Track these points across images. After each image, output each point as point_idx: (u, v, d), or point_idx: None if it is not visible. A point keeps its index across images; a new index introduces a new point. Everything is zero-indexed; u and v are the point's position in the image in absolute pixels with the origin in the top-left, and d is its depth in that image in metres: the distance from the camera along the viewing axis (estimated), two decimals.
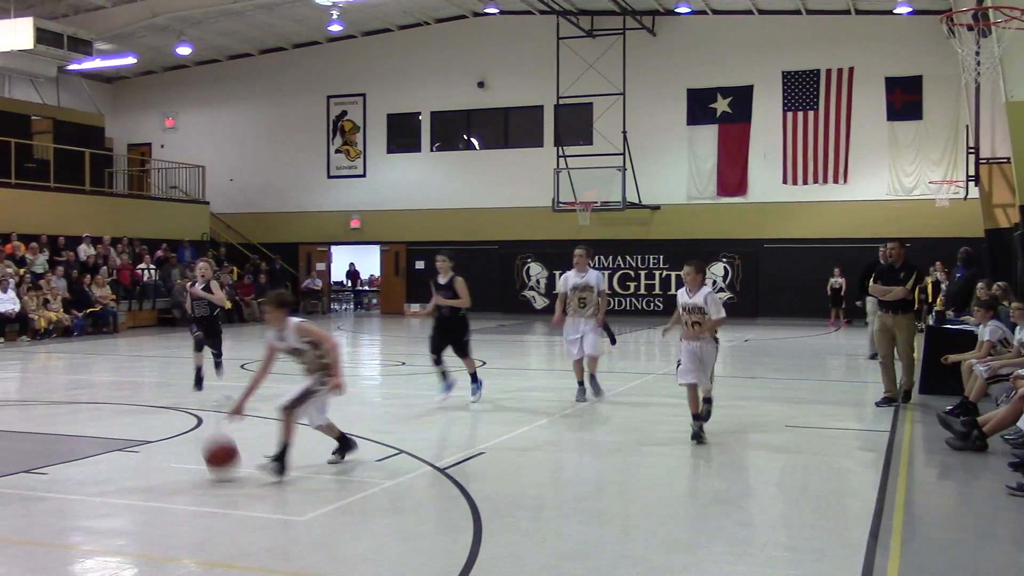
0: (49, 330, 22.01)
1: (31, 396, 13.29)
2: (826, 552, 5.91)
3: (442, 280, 11.68)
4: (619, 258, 30.05)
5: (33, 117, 29.33)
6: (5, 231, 23.88)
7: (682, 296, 9.35)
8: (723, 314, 9.20)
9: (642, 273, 29.94)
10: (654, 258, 29.84)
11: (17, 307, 21.49)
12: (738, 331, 23.57)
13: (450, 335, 11.74)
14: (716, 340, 9.43)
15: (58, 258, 24.53)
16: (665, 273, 29.60)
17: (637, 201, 28.71)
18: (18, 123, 27.93)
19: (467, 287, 11.66)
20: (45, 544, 5.99)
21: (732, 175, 29.13)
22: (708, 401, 9.57)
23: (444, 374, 11.72)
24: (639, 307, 29.70)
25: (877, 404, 11.42)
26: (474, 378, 11.87)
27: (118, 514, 6.80)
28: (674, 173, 29.46)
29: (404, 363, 17.50)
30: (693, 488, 7.64)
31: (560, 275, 12.63)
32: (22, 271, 22.83)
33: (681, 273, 9.70)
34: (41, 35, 25.03)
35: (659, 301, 29.64)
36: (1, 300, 21.19)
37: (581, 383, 12.00)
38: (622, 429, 10.24)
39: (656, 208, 29.57)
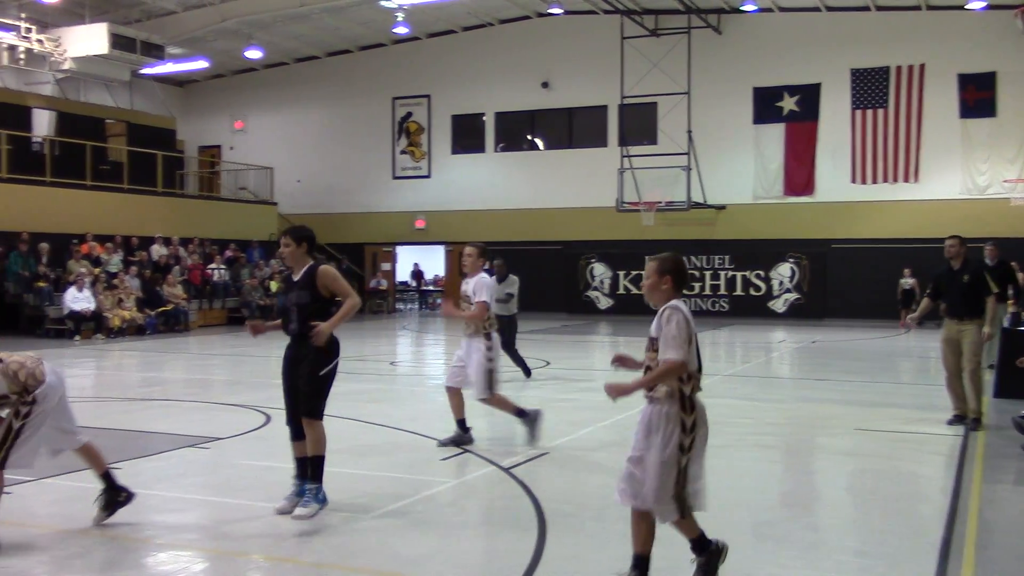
0: (123, 328, 22.53)
1: (106, 393, 13.60)
2: (897, 558, 5.80)
3: (296, 275, 6.62)
4: (684, 259, 29.80)
5: (107, 120, 30.06)
6: (81, 232, 24.50)
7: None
8: (680, 355, 4.92)
9: (707, 274, 29.65)
10: (719, 258, 29.55)
11: (93, 306, 22.03)
12: (806, 332, 23.25)
13: (297, 368, 6.58)
14: (686, 405, 5.10)
15: (131, 258, 25.10)
16: (731, 273, 29.31)
17: (702, 201, 28.47)
18: (93, 126, 28.65)
19: (343, 279, 6.72)
20: (119, 537, 6.13)
21: (799, 174, 28.73)
22: (702, 548, 5.10)
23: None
24: (704, 308, 29.40)
25: (948, 423, 10.25)
26: (316, 472, 6.46)
27: (189, 509, 6.94)
28: (740, 172, 29.16)
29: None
30: (759, 491, 7.54)
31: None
32: (97, 271, 23.40)
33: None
34: (115, 40, 25.76)
35: (724, 302, 29.38)
36: (77, 299, 21.76)
37: (460, 421, 8.96)
38: None
39: (721, 208, 29.29)
